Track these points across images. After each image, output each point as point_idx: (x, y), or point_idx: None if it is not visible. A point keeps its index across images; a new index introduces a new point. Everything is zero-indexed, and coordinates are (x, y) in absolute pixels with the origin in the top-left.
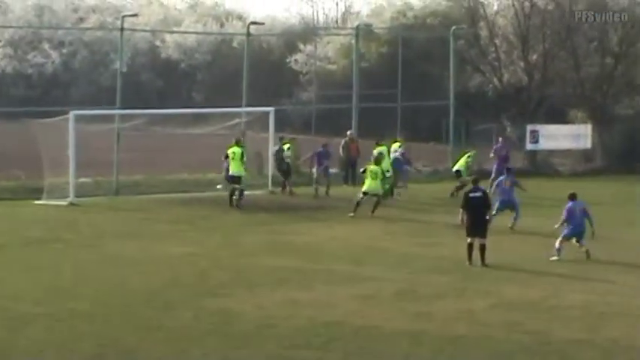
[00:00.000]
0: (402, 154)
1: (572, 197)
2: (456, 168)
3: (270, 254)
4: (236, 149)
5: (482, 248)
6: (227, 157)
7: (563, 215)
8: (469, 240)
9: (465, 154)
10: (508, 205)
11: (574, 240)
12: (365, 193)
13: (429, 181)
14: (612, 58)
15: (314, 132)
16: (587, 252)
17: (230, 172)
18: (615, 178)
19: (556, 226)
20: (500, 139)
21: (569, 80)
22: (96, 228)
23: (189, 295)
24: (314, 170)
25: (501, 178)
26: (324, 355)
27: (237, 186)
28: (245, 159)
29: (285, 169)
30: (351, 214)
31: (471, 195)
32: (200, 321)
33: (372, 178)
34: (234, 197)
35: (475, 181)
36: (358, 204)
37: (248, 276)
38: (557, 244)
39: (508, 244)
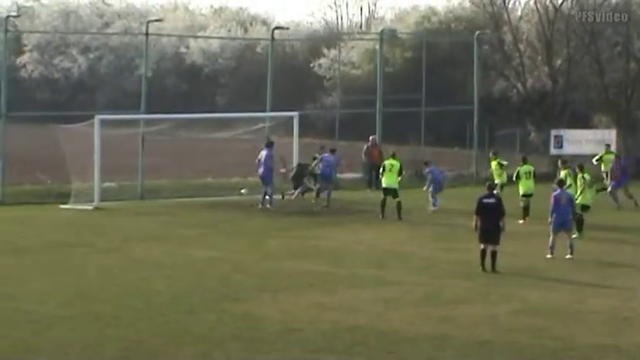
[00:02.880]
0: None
1: (560, 184)
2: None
3: (294, 258)
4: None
5: (494, 255)
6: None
7: (551, 204)
8: (482, 246)
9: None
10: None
11: (564, 232)
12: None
13: (453, 186)
14: (636, 63)
15: (338, 137)
16: (570, 246)
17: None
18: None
19: (549, 220)
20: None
21: (593, 85)
22: (121, 232)
23: (213, 299)
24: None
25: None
26: (348, 359)
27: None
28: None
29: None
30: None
31: (485, 201)
32: (224, 325)
33: None
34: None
35: (490, 187)
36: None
37: (272, 280)
38: (550, 242)
39: (527, 248)
